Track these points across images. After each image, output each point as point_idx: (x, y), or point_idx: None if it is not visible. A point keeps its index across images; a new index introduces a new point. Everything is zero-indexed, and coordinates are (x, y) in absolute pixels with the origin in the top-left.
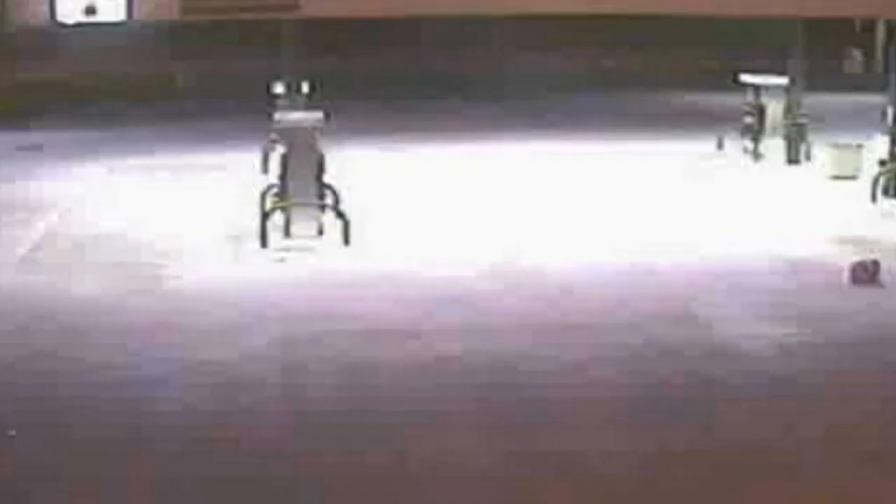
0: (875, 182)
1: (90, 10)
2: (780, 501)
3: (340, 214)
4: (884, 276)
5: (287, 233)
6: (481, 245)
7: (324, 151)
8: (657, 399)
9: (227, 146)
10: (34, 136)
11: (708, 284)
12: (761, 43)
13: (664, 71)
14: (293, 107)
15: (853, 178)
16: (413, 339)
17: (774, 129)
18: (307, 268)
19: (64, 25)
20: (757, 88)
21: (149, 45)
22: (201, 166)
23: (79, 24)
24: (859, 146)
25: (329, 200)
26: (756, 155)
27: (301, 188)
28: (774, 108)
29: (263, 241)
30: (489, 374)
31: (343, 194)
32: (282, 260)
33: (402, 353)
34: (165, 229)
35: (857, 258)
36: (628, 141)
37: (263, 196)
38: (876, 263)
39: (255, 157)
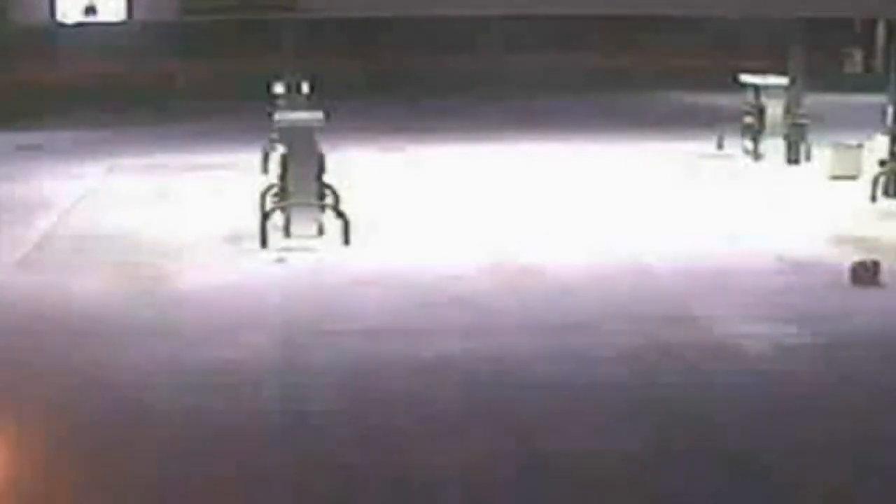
0: (875, 182)
1: (90, 10)
2: (778, 500)
3: (340, 214)
4: (884, 276)
5: (287, 233)
6: (481, 245)
7: (324, 151)
8: (657, 399)
9: (227, 146)
10: (34, 136)
11: (708, 284)
12: (761, 43)
13: (664, 71)
14: (293, 107)
15: (853, 177)
16: (413, 339)
17: (774, 129)
18: (307, 268)
19: (64, 25)
20: (757, 88)
21: (149, 45)
22: (201, 166)
23: (79, 24)
24: (859, 146)
25: (329, 200)
26: (756, 155)
27: (301, 188)
28: (774, 108)
29: (263, 241)
30: (489, 373)
31: (343, 194)
32: (282, 260)
33: (402, 353)
34: (165, 229)
35: (857, 258)
36: (628, 141)
37: (263, 196)
38: (876, 263)
39: (255, 157)
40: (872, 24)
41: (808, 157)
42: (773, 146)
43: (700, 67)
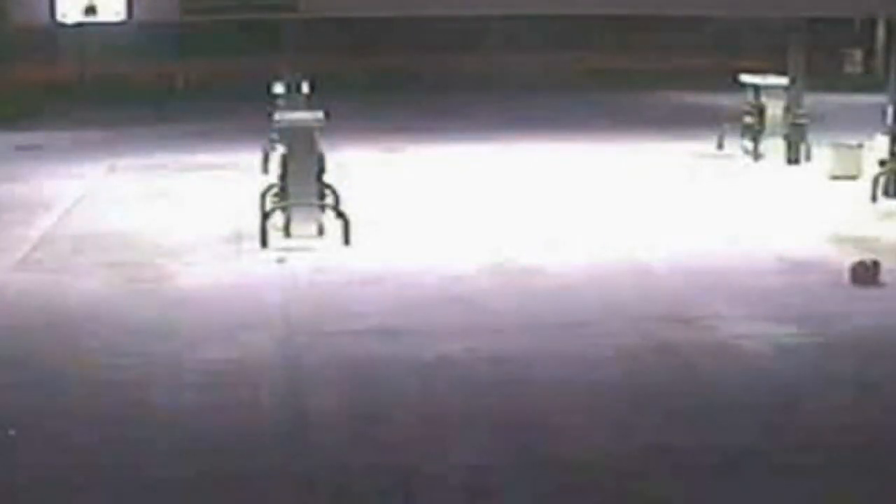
0: (875, 182)
1: (90, 10)
2: (778, 501)
3: (340, 214)
4: (884, 276)
5: (287, 233)
6: (481, 245)
7: (324, 151)
8: (657, 399)
9: (227, 146)
10: (34, 136)
11: (708, 284)
12: (761, 43)
13: (664, 71)
14: (293, 107)
15: (853, 177)
16: (413, 339)
17: (774, 129)
18: (307, 268)
19: (64, 25)
20: (757, 88)
21: (149, 45)
22: (201, 166)
23: (79, 24)
24: (859, 146)
25: (329, 200)
26: (756, 155)
27: (301, 188)
28: (774, 108)
29: (263, 241)
30: (489, 373)
31: (343, 194)
32: (282, 260)
33: (402, 353)
34: (165, 229)
35: (857, 258)
36: (628, 141)
37: (263, 196)
38: (876, 263)
39: (255, 158)
40: (872, 24)
41: (808, 157)
42: (773, 146)
43: (700, 67)
